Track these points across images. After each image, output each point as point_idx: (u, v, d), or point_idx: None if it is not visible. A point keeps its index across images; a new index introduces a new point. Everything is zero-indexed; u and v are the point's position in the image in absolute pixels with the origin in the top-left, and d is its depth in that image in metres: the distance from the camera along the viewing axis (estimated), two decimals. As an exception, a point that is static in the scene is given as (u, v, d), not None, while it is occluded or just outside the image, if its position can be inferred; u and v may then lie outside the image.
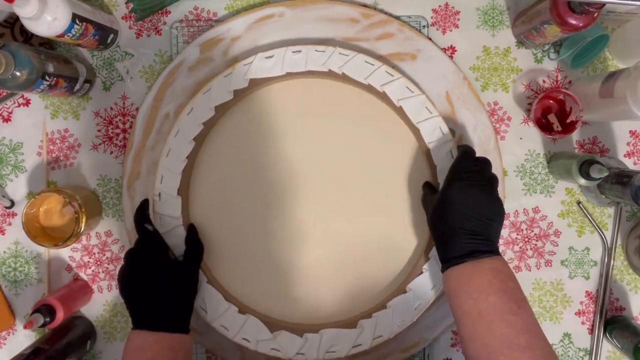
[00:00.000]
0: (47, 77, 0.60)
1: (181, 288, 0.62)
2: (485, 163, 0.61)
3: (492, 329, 0.52)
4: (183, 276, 0.63)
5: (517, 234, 0.72)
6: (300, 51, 0.67)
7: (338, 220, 0.69)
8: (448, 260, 0.57)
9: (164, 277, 0.61)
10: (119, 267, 0.70)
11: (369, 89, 0.68)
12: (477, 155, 0.63)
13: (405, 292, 0.67)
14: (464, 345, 0.54)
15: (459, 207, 0.57)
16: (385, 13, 0.70)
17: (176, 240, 0.66)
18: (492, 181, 0.60)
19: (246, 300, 0.69)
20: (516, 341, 0.50)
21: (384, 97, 0.67)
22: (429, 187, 0.67)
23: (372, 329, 0.65)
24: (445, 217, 0.58)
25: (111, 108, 0.72)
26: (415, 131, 0.68)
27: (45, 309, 0.63)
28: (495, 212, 0.58)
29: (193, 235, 0.67)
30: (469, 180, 0.58)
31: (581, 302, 0.72)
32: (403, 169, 0.69)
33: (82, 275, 0.72)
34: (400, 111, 0.68)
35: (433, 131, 0.67)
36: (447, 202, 0.58)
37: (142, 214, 0.64)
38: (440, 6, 0.71)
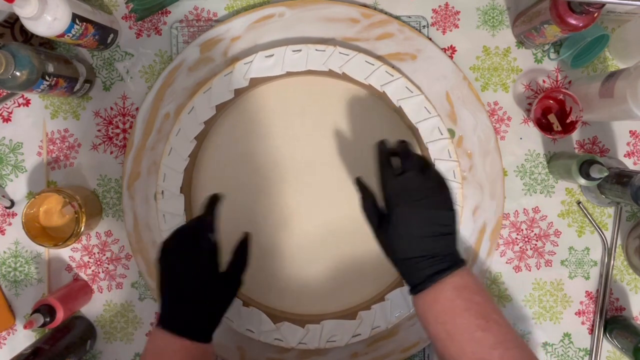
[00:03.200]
0: (47, 77, 0.60)
1: (220, 298, 0.58)
2: (407, 166, 0.56)
3: (463, 350, 0.50)
4: (224, 286, 0.58)
5: (517, 234, 0.72)
6: (300, 50, 0.67)
7: (339, 216, 0.70)
8: (412, 288, 0.55)
9: (208, 284, 0.57)
10: (161, 243, 0.59)
11: (369, 88, 0.68)
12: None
13: (403, 285, 0.68)
14: None
15: (405, 237, 0.54)
16: (385, 13, 0.70)
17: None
18: (425, 174, 0.55)
19: (250, 293, 0.70)
20: (488, 358, 0.49)
21: (383, 96, 0.68)
22: (374, 212, 0.58)
23: (371, 320, 0.67)
24: (395, 250, 0.55)
25: (111, 108, 0.72)
26: (414, 130, 0.68)
27: (45, 309, 0.63)
28: (443, 221, 0.54)
29: (245, 247, 0.61)
30: (406, 203, 0.54)
31: (581, 302, 0.72)
32: (402, 168, 0.70)
33: (82, 275, 0.72)
34: (399, 111, 0.68)
35: (431, 131, 0.67)
36: (392, 235, 0.54)
37: (210, 221, 0.59)
38: (440, 6, 0.71)
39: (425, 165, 0.56)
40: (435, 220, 0.54)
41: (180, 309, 0.55)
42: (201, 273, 0.57)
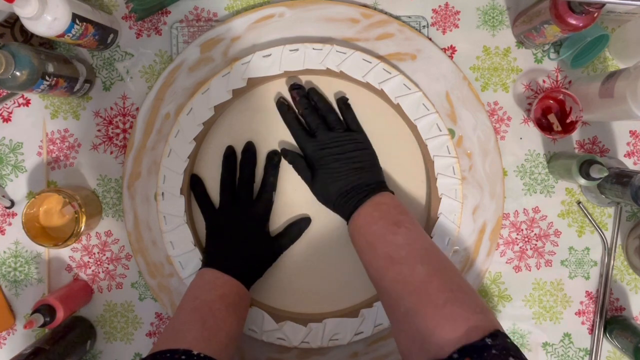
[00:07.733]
0: (47, 77, 0.60)
1: (266, 255, 0.67)
2: (314, 127, 0.65)
3: (377, 252, 0.57)
4: (272, 247, 0.68)
5: (517, 234, 0.72)
6: (297, 50, 0.67)
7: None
8: (347, 222, 0.63)
9: (261, 238, 0.66)
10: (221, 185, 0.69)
11: (367, 86, 0.68)
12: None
13: None
14: (369, 275, 0.59)
15: (330, 179, 0.63)
16: (385, 13, 0.70)
17: (180, 238, 0.67)
18: (333, 130, 0.65)
19: (252, 293, 0.69)
20: (397, 256, 0.55)
21: (381, 94, 0.68)
22: (306, 170, 0.68)
23: (373, 318, 0.67)
24: (327, 194, 0.64)
25: (111, 108, 0.72)
26: (413, 128, 0.68)
27: (45, 309, 0.63)
28: (359, 158, 0.64)
29: (301, 227, 0.69)
30: (325, 155, 0.64)
31: (581, 302, 0.72)
32: (400, 164, 0.69)
33: (82, 275, 0.72)
34: (398, 108, 0.68)
35: (430, 128, 0.67)
36: (321, 182, 0.64)
37: (273, 181, 0.68)
38: (440, 6, 0.71)
39: (335, 118, 0.66)
40: (351, 159, 0.64)
41: (232, 253, 0.64)
42: (257, 227, 0.66)
